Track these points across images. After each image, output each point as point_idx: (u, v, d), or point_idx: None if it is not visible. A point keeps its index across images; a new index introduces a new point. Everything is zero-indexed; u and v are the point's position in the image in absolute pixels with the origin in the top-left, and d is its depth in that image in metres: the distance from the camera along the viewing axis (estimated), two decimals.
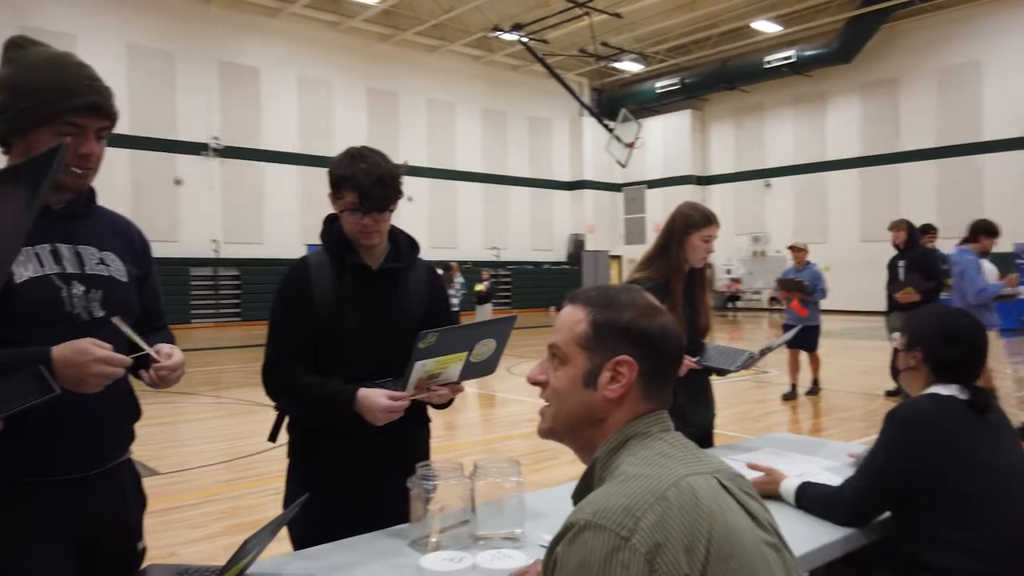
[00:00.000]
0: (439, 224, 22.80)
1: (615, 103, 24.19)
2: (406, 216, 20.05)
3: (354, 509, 1.95)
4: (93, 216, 1.65)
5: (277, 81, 19.94)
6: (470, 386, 8.71)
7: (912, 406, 1.84)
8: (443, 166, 23.08)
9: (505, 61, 23.83)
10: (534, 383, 1.18)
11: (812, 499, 1.91)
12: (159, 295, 1.79)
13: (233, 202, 19.37)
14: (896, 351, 2.02)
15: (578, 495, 1.11)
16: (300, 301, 1.98)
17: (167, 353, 1.54)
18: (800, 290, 7.78)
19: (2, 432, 1.24)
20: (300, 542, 1.93)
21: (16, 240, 0.92)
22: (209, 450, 5.96)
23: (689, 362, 2.66)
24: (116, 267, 1.62)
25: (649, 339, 1.11)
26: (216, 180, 19.12)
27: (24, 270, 1.46)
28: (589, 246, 26.12)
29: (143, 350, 1.49)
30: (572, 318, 1.14)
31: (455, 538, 1.70)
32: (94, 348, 1.34)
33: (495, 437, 6.74)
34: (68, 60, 1.51)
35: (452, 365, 1.94)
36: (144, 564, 1.63)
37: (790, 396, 7.98)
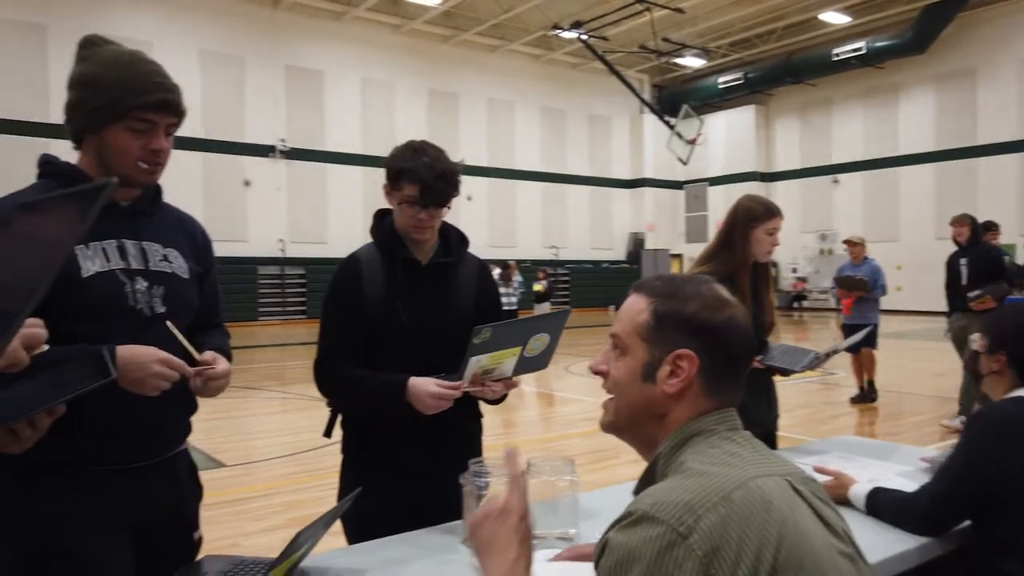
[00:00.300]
0: (498, 223, 22.86)
1: (676, 99, 23.84)
2: (465, 215, 20.18)
3: (405, 503, 1.94)
4: (159, 213, 1.68)
5: (341, 83, 20.31)
6: (528, 384, 8.70)
7: (995, 409, 1.75)
8: (503, 165, 23.13)
9: (565, 59, 23.75)
10: (596, 372, 1.15)
11: (885, 505, 1.82)
12: (218, 293, 1.82)
13: (298, 202, 19.82)
14: (976, 353, 1.91)
15: (639, 492, 1.05)
16: (351, 297, 1.99)
17: (210, 360, 1.54)
18: (860, 288, 7.29)
19: (62, 420, 1.26)
20: (355, 536, 1.93)
21: (55, 262, 0.94)
22: (274, 444, 6.10)
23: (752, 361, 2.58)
24: (178, 264, 1.65)
25: (714, 332, 1.05)
26: (283, 181, 19.59)
27: (91, 264, 1.49)
28: (649, 244, 25.83)
29: (194, 355, 1.51)
30: (634, 308, 1.09)
31: None
32: (158, 350, 1.37)
33: (553, 436, 6.71)
34: (138, 58, 1.55)
35: (506, 360, 1.93)
36: (202, 554, 1.65)
37: (861, 399, 7.70)
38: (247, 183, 19.04)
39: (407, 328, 1.97)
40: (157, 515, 1.58)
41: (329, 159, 20.24)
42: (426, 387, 1.87)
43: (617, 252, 26.05)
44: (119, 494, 1.52)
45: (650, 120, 24.56)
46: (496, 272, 11.25)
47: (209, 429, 6.52)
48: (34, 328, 0.98)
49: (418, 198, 1.93)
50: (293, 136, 19.62)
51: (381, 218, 2.09)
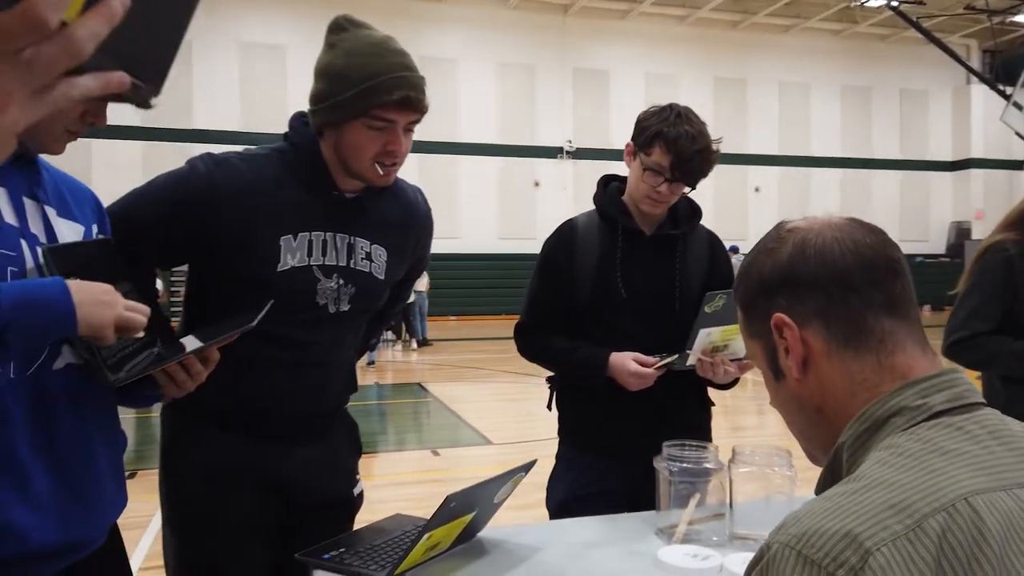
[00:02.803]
0: (789, 215, 21.32)
1: (1014, 65, 20.27)
2: (753, 207, 19.19)
3: (616, 487, 1.86)
4: (381, 207, 1.62)
5: (625, 81, 20.47)
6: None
7: None
8: (796, 152, 21.59)
9: (870, 32, 21.46)
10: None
11: None
12: (402, 299, 1.91)
13: (584, 200, 20.37)
14: None
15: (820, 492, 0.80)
16: (561, 266, 1.92)
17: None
18: None
19: (223, 381, 1.38)
20: (556, 510, 1.91)
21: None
22: (539, 427, 6.32)
23: None
24: (379, 263, 1.62)
25: (789, 274, 0.80)
26: (568, 180, 20.28)
27: (291, 258, 1.49)
28: (976, 235, 22.30)
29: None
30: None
31: (709, 533, 1.51)
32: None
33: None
34: (384, 48, 1.45)
35: (740, 338, 1.74)
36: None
37: None
38: (536, 184, 20.02)
39: (625, 302, 1.86)
40: (314, 472, 1.61)
41: (612, 156, 20.51)
42: (624, 364, 1.77)
43: (935, 244, 22.89)
44: (274, 453, 1.57)
45: (979, 91, 21.20)
46: None
47: (490, 410, 6.96)
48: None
49: (668, 169, 1.78)
50: (579, 137, 20.21)
51: (605, 184, 2.01)
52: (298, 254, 1.50)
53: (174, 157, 1.55)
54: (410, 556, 1.31)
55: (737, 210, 20.05)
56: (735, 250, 12.64)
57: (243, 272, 1.49)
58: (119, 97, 0.64)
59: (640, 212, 1.90)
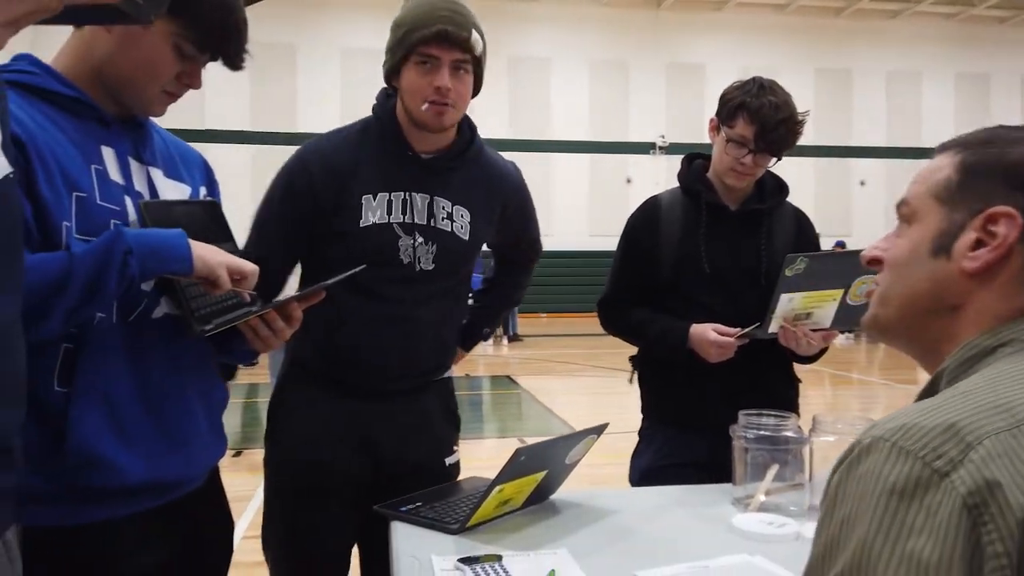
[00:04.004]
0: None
1: None
2: (857, 202, 18.39)
3: (697, 459, 1.84)
4: (462, 169, 1.68)
5: (721, 75, 19.88)
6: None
7: None
8: (904, 143, 20.52)
9: (988, 14, 20.15)
10: (869, 261, 0.86)
11: None
12: (515, 299, 2.05)
13: None
14: None
15: None
16: (644, 243, 1.94)
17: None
18: None
19: (319, 336, 1.50)
20: (638, 478, 1.91)
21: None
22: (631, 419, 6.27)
23: None
24: (461, 224, 1.67)
25: None
26: (662, 177, 19.97)
27: (371, 216, 1.60)
28: None
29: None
30: (933, 166, 0.81)
31: (787, 504, 1.48)
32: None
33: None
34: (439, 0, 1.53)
35: (825, 305, 1.70)
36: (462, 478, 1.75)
37: None
38: (628, 181, 19.82)
39: (710, 277, 1.86)
40: (405, 436, 1.68)
41: (707, 151, 20.10)
42: (705, 334, 1.76)
43: None
44: (369, 414, 1.66)
45: None
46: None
47: (572, 403, 6.95)
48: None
49: (751, 139, 1.77)
50: (672, 132, 19.89)
51: (690, 161, 2.00)
52: (378, 212, 1.61)
53: (281, 160, 1.69)
54: (481, 509, 1.34)
55: (841, 204, 19.23)
56: (841, 245, 12.16)
57: (333, 230, 1.62)
58: (124, 16, 0.67)
59: (725, 187, 1.89)
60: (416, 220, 1.62)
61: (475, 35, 1.54)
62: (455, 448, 1.80)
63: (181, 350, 1.28)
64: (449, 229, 1.65)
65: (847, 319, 1.72)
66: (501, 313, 2.09)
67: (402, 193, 1.62)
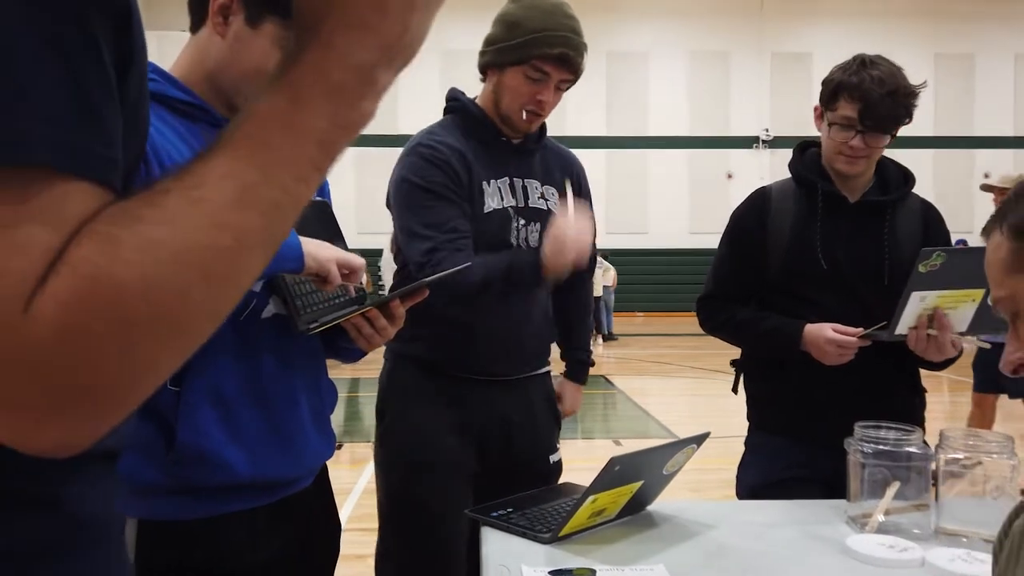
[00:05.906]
0: None
1: None
2: (982, 196, 17.11)
3: (811, 474, 1.72)
4: (543, 152, 1.82)
5: (828, 64, 18.73)
6: None
7: None
8: None
9: None
10: (1014, 371, 0.85)
11: None
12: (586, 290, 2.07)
13: None
14: None
15: None
16: (751, 236, 1.81)
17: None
18: None
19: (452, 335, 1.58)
20: (746, 492, 1.81)
21: None
22: (731, 422, 6.10)
23: None
24: (553, 201, 1.78)
25: None
26: (765, 171, 19.29)
27: (492, 201, 1.71)
28: None
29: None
30: (991, 251, 0.84)
31: (909, 525, 1.35)
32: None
33: None
34: (560, 11, 1.64)
35: (962, 306, 1.53)
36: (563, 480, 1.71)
37: None
38: (729, 176, 19.25)
39: (826, 275, 1.72)
40: (507, 432, 1.71)
41: (816, 145, 19.28)
42: (822, 332, 1.63)
43: None
44: (476, 404, 1.70)
45: None
46: None
47: (669, 404, 6.79)
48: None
49: (856, 119, 1.64)
50: (777, 125, 19.17)
51: (803, 150, 1.88)
52: (495, 197, 1.71)
53: (382, 160, 1.74)
54: (574, 519, 1.29)
55: (963, 199, 17.95)
56: (963, 243, 11.40)
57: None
58: None
59: (841, 178, 1.76)
60: (517, 203, 1.73)
61: (585, 57, 1.66)
62: (558, 446, 1.84)
63: (290, 349, 1.28)
64: (546, 207, 1.75)
65: (986, 324, 1.56)
66: (586, 321, 2.09)
67: (507, 178, 1.73)
